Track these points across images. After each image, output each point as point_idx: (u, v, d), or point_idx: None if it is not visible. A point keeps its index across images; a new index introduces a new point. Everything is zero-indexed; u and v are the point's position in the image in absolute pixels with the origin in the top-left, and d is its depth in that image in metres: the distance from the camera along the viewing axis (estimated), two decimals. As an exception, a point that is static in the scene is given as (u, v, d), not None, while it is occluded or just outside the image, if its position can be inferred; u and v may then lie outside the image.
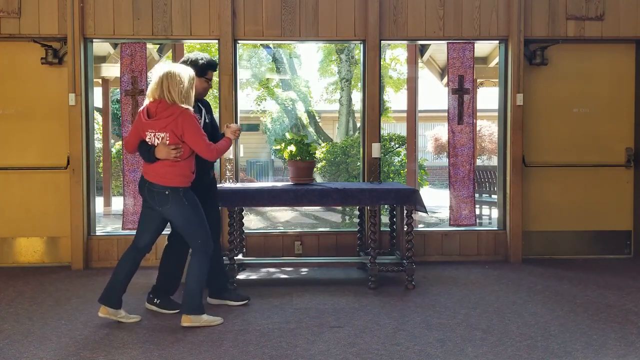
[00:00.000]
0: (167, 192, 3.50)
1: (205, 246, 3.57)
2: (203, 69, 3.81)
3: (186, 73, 3.53)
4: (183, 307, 3.58)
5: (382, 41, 5.30)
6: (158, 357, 3.05)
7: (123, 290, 3.63)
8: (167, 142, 3.46)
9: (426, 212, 4.40)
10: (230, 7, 5.14)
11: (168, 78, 3.45)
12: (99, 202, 5.87)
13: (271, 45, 11.37)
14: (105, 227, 7.43)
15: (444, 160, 13.99)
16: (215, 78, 4.59)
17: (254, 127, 16.17)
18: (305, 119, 13.06)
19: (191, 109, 3.52)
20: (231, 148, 5.04)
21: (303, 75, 13.85)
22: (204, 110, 3.91)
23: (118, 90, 10.88)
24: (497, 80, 5.63)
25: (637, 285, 4.50)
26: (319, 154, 8.95)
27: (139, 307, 3.90)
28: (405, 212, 4.44)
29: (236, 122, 5.23)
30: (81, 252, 5.11)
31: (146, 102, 3.55)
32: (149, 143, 3.51)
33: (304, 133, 12.08)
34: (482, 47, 7.72)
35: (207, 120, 3.90)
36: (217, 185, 4.25)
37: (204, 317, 3.57)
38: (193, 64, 3.75)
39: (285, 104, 12.99)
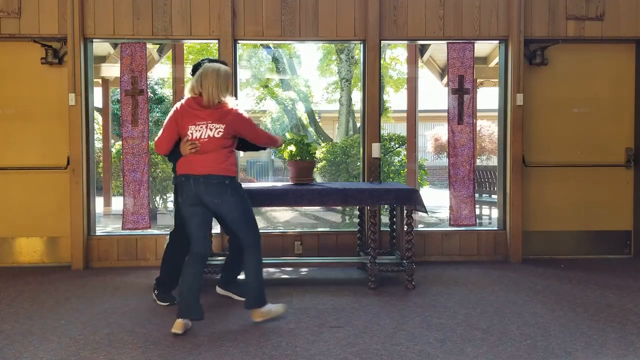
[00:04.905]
0: (227, 182, 3.47)
1: (259, 239, 3.60)
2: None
3: (227, 69, 3.60)
4: (250, 303, 3.62)
5: (382, 41, 5.30)
6: (158, 357, 3.05)
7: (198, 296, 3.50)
8: (221, 134, 3.43)
9: (426, 212, 4.40)
10: (230, 7, 5.14)
11: (220, 76, 3.49)
12: (99, 202, 5.86)
13: (271, 45, 11.37)
14: (105, 227, 7.44)
15: (444, 160, 14.00)
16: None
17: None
18: (305, 119, 13.06)
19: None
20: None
21: (303, 75, 13.85)
22: None
23: (118, 90, 10.89)
24: (497, 80, 5.63)
25: (637, 285, 4.50)
26: (319, 154, 8.94)
27: (139, 307, 3.91)
28: (405, 212, 4.44)
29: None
30: (81, 252, 5.10)
31: (186, 96, 3.55)
32: (195, 134, 3.45)
33: (304, 133, 12.08)
34: (482, 47, 7.73)
35: None
36: None
37: (270, 307, 3.64)
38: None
39: (285, 104, 12.99)
